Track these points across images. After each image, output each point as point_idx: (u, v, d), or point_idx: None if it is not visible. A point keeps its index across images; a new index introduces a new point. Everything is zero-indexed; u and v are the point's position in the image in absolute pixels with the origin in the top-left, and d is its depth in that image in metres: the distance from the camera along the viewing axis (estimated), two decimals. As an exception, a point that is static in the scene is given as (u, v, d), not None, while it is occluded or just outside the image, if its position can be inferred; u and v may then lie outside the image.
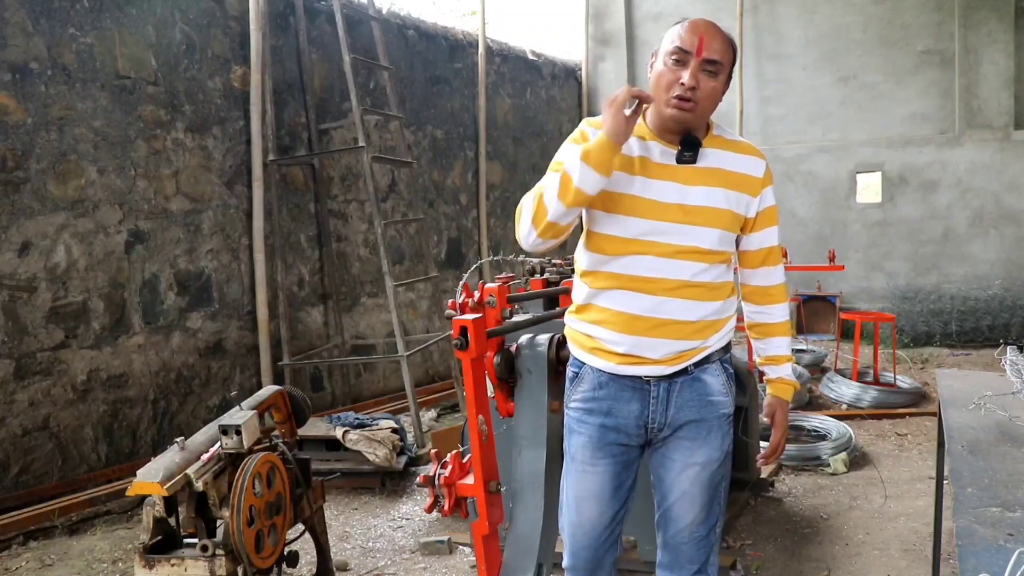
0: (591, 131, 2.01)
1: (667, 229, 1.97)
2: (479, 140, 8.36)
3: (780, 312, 2.19)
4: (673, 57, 1.92)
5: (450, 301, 2.64)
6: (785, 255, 2.99)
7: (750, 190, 2.03)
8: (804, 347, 7.64)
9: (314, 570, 3.23)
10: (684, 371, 2.04)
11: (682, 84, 1.89)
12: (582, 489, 2.12)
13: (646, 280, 1.98)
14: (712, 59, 1.91)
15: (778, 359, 2.21)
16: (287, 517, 2.80)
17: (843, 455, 4.75)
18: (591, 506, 2.11)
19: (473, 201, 8.40)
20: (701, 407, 2.06)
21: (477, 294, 2.67)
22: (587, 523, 2.12)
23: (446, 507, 2.49)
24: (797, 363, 6.64)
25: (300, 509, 2.96)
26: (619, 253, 2.00)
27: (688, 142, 1.97)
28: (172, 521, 2.61)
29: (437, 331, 7.13)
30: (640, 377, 2.03)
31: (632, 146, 1.99)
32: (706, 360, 2.06)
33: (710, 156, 2.00)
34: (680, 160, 1.98)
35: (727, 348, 2.13)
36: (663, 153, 1.99)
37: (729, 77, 1.99)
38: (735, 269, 2.15)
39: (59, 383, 4.57)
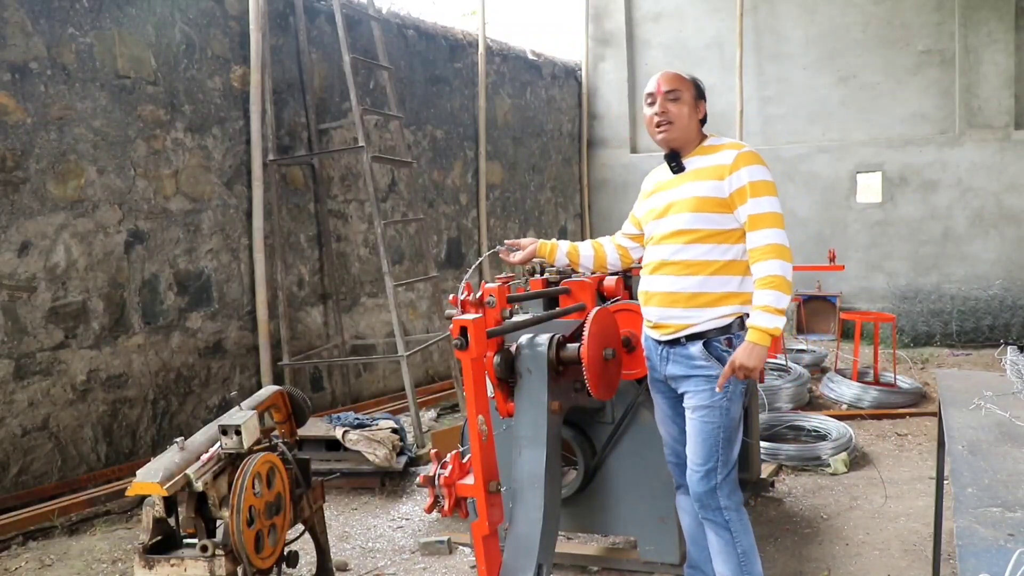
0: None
1: (657, 225, 2.72)
2: (479, 140, 8.35)
3: (759, 269, 2.55)
4: (647, 102, 2.71)
5: (451, 296, 2.64)
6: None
7: (718, 176, 2.59)
8: (804, 347, 7.63)
9: (314, 570, 3.23)
10: (677, 341, 2.64)
11: (656, 115, 2.66)
12: (656, 412, 2.90)
13: (646, 265, 2.74)
14: (670, 89, 2.64)
15: (755, 308, 2.50)
16: (287, 517, 2.80)
17: (843, 455, 4.75)
18: (661, 427, 2.89)
19: (473, 201, 8.40)
20: (690, 368, 2.64)
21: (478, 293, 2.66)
22: (665, 437, 2.89)
23: (446, 507, 2.48)
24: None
25: (300, 509, 2.96)
26: (646, 247, 2.80)
27: (670, 157, 2.70)
28: (172, 521, 2.60)
29: (437, 331, 7.13)
30: (651, 338, 2.75)
31: (659, 174, 2.81)
32: (696, 336, 2.60)
33: (692, 163, 2.68)
34: (673, 171, 2.70)
35: (724, 330, 2.59)
36: (666, 171, 2.75)
37: (695, 102, 2.65)
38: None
39: (59, 383, 4.57)
